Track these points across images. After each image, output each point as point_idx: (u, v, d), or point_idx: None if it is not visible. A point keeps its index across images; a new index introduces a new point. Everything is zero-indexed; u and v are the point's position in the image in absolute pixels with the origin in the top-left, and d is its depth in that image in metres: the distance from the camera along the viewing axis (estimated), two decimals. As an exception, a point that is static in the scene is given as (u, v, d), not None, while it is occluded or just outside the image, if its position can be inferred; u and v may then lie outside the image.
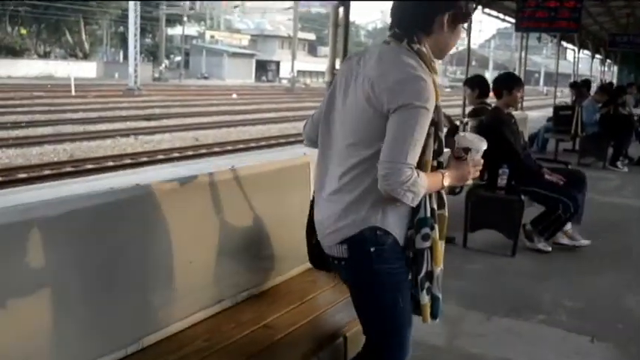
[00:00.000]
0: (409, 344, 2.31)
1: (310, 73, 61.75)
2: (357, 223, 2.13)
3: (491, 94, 5.97)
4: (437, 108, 2.10)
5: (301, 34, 61.80)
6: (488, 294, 4.54)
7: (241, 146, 15.73)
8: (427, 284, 2.25)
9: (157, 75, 48.03)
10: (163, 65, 51.94)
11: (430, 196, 2.18)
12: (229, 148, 15.34)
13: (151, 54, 54.45)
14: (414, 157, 2.02)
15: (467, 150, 2.30)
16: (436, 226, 2.22)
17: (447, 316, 4.09)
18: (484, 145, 2.33)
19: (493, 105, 5.87)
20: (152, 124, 19.45)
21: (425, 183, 2.06)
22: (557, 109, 11.97)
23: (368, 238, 2.14)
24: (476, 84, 6.36)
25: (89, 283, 2.12)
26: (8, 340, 1.88)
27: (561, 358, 3.58)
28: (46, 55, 50.51)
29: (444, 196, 2.27)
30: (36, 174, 11.19)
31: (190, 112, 23.29)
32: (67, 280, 2.05)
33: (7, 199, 2.03)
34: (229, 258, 2.70)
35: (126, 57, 39.20)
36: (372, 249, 2.14)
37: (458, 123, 6.35)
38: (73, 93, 27.62)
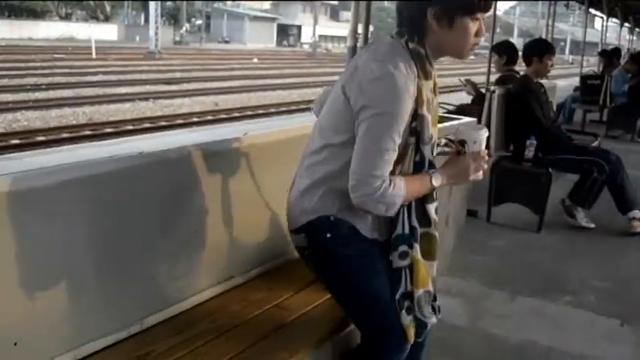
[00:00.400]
0: (406, 339, 2.10)
1: (332, 38, 61.14)
2: (312, 210, 2.06)
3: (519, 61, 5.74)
4: (420, 117, 1.94)
5: (324, -1, 61.11)
6: (512, 272, 4.36)
7: (261, 111, 15.56)
8: (406, 303, 2.08)
9: (177, 38, 47.79)
10: (184, 29, 51.66)
11: (410, 212, 2.04)
12: (249, 113, 15.18)
13: (172, 17, 54.14)
14: (383, 167, 1.88)
15: (463, 143, 2.09)
16: (417, 245, 2.06)
17: (469, 294, 3.96)
18: (482, 135, 2.07)
19: (522, 73, 5.62)
20: (172, 88, 19.31)
21: (402, 191, 1.92)
22: (584, 78, 11.53)
23: (323, 224, 2.05)
24: (503, 50, 6.11)
25: (94, 255, 1.98)
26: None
27: (589, 343, 3.40)
28: (67, 17, 50.42)
29: (432, 213, 2.09)
30: (54, 137, 11.13)
31: (210, 76, 23.09)
32: (73, 253, 1.92)
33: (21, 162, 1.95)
34: (241, 231, 2.54)
35: (147, 20, 38.92)
36: (328, 235, 2.05)
37: (483, 91, 6.10)
38: (94, 55, 27.51)
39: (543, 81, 5.66)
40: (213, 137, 2.47)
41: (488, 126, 5.29)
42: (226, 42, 53.14)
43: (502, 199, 5.41)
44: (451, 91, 16.88)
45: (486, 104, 5.35)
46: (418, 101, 1.92)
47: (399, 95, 1.86)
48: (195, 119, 13.88)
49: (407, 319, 2.07)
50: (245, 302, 2.41)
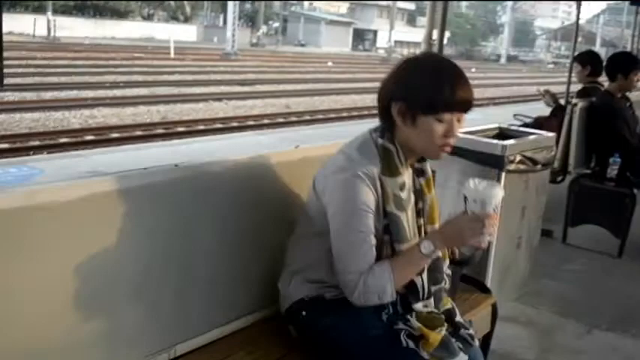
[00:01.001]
0: None
1: (408, 44, 60.57)
2: (287, 297, 2.04)
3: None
4: (389, 215, 1.85)
5: (400, 4, 60.65)
6: (589, 301, 4.01)
7: (332, 115, 15.41)
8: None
9: (254, 40, 48.34)
10: (261, 31, 52.19)
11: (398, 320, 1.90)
12: (320, 117, 15.06)
13: (250, 19, 54.80)
14: (357, 261, 1.82)
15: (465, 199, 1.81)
16: (413, 321, 1.90)
17: (540, 324, 3.66)
18: (485, 194, 1.75)
19: (604, 88, 5.24)
20: (245, 89, 19.42)
21: (385, 274, 1.81)
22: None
23: (298, 307, 2.00)
24: (587, 60, 5.71)
25: (128, 274, 1.82)
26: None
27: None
28: (149, 18, 51.73)
29: (429, 306, 1.94)
30: (128, 134, 11.30)
31: (284, 78, 23.13)
32: (104, 271, 1.77)
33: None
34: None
35: (226, 21, 39.48)
36: (303, 313, 1.99)
37: (563, 102, 5.73)
38: (172, 55, 28.05)
39: (632, 94, 5.27)
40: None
41: (567, 141, 4.96)
42: (302, 45, 53.39)
43: (580, 219, 5.04)
44: (527, 101, 16.32)
45: (566, 118, 5.00)
46: (384, 199, 1.84)
47: (354, 188, 1.81)
48: (266, 121, 13.87)
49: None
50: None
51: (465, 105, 1.84)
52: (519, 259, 3.88)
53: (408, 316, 1.91)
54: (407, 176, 1.91)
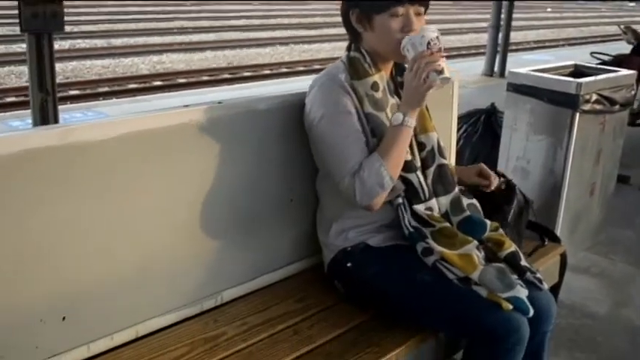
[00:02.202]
0: (506, 321, 1.74)
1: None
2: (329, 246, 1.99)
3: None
4: (368, 115, 1.85)
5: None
6: (668, 251, 3.77)
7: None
8: (473, 285, 1.79)
9: (323, -17, 47.60)
10: (330, -27, 51.37)
11: (404, 215, 1.87)
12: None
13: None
14: (348, 161, 1.80)
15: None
16: (432, 242, 1.84)
17: (612, 276, 3.45)
18: (417, 36, 1.73)
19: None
20: (312, 32, 19.14)
21: (376, 161, 1.78)
22: None
23: (341, 258, 1.95)
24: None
25: (173, 217, 1.77)
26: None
27: None
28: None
29: (423, 213, 1.88)
30: (195, 79, 11.34)
31: (352, 21, 22.72)
32: (146, 213, 1.72)
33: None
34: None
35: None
36: (348, 264, 1.93)
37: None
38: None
39: None
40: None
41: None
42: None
43: (660, 164, 4.75)
44: (606, 40, 15.54)
45: (649, 55, 4.66)
46: (360, 102, 1.85)
47: (326, 93, 1.85)
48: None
49: (484, 292, 1.76)
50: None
51: None
52: (592, 206, 3.67)
53: (426, 232, 1.86)
54: (378, 78, 1.90)
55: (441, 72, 1.71)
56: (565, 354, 2.69)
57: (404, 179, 1.88)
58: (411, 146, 1.91)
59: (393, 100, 1.92)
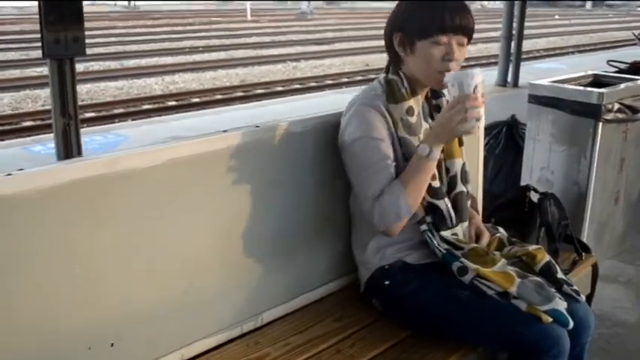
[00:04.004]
0: (547, 334, 1.76)
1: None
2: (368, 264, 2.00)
3: None
4: (402, 139, 1.88)
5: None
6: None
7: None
8: (512, 299, 1.80)
9: (330, -2, 47.81)
10: (337, -12, 51.61)
11: (433, 240, 1.90)
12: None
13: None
14: (371, 187, 1.84)
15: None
16: (466, 261, 1.85)
17: (640, 284, 3.46)
18: (461, 76, 1.72)
19: None
20: (322, 48, 19.23)
21: (397, 190, 1.81)
22: None
23: (379, 276, 1.96)
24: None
25: (212, 239, 1.79)
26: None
27: None
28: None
29: (451, 238, 1.91)
30: (208, 98, 11.41)
31: (362, 35, 22.71)
32: (188, 236, 1.74)
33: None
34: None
35: (300, -20, 39.18)
36: (386, 282, 1.94)
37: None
38: (249, 17, 28.07)
39: None
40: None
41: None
42: None
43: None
44: (616, 47, 15.52)
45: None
46: (394, 125, 1.87)
47: (361, 117, 1.86)
48: (344, 79, 13.71)
49: (523, 305, 1.78)
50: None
51: (461, 28, 1.84)
52: (617, 214, 3.67)
53: (458, 253, 1.88)
54: (414, 103, 1.91)
55: (478, 119, 1.73)
56: (598, 364, 2.69)
57: (432, 205, 1.91)
58: (440, 171, 1.94)
59: (426, 125, 1.95)
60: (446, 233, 1.92)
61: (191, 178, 1.69)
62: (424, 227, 1.91)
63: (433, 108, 2.01)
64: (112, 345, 1.59)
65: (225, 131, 1.77)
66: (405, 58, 1.90)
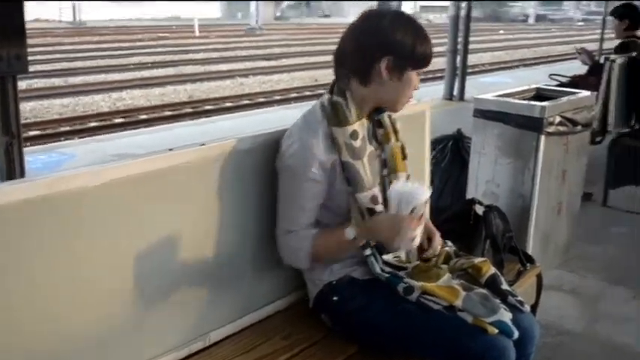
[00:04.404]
0: (493, 345, 1.79)
1: (434, 9, 59.73)
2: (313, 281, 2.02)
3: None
4: (345, 164, 1.87)
5: (426, -32, 59.56)
6: (634, 264, 3.87)
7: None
8: (458, 312, 1.83)
9: (278, 14, 47.91)
10: (285, 4, 51.75)
11: (374, 265, 1.92)
12: (348, 88, 14.85)
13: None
14: (286, 221, 1.92)
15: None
16: (410, 280, 1.89)
17: (585, 292, 3.53)
18: (408, 196, 1.72)
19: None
20: (271, 63, 19.26)
21: (304, 243, 1.89)
22: None
23: (327, 292, 1.97)
24: (625, 14, 5.48)
25: (155, 259, 1.76)
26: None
27: None
28: (172, -4, 51.52)
29: (392, 261, 1.94)
30: (157, 115, 11.29)
31: (310, 51, 22.87)
32: (127, 257, 1.71)
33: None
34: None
35: (249, -4, 39.21)
36: (334, 298, 1.95)
37: (602, 60, 5.52)
38: (197, 33, 27.93)
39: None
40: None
41: (606, 99, 4.76)
42: (327, 16, 52.77)
43: (621, 180, 4.88)
44: (558, 60, 15.96)
45: (605, 75, 4.80)
46: (338, 150, 1.86)
47: (299, 150, 1.85)
48: (293, 95, 13.75)
49: (469, 317, 1.81)
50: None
51: (431, 59, 1.93)
52: (561, 225, 3.76)
53: (401, 274, 1.92)
54: (359, 126, 1.91)
55: (412, 239, 1.74)
56: (545, 373, 2.74)
57: None
58: (384, 191, 1.94)
59: (370, 148, 1.94)
60: (388, 257, 1.95)
61: (135, 198, 1.67)
62: (367, 252, 1.92)
63: (375, 123, 2.02)
64: (55, 370, 1.55)
65: (170, 150, 1.76)
66: (384, 80, 1.88)
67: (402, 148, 2.04)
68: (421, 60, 1.89)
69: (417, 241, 1.76)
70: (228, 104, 12.47)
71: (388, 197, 1.78)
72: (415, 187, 1.74)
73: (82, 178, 1.57)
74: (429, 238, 2.09)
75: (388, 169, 1.99)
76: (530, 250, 3.31)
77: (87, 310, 1.61)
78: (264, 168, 1.97)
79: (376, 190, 1.91)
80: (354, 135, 1.88)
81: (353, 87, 1.91)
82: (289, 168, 1.88)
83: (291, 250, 1.92)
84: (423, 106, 2.64)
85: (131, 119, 10.87)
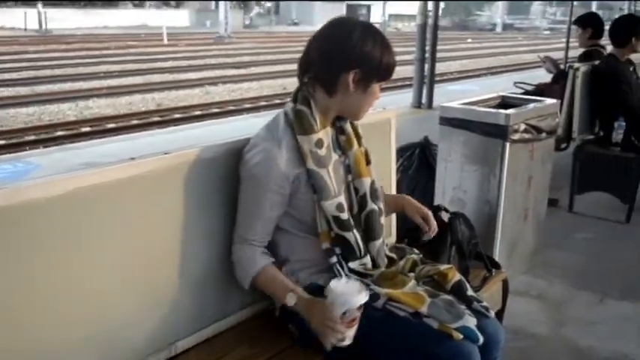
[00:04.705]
0: (458, 351, 1.80)
1: (402, 17, 60.17)
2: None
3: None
4: (310, 172, 1.87)
5: (395, -23, 60.03)
6: (600, 270, 3.92)
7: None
8: (424, 318, 1.84)
9: (247, 22, 47.89)
10: (254, 12, 51.76)
11: (340, 273, 1.92)
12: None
13: (242, 0, 54.28)
14: (243, 229, 1.94)
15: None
16: (376, 287, 1.90)
17: (551, 297, 3.57)
18: (342, 299, 1.68)
19: (609, 51, 5.12)
20: (241, 72, 19.25)
21: (254, 268, 1.92)
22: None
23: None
24: (588, 23, 5.58)
25: (122, 269, 1.74)
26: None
27: (693, 356, 2.98)
28: (140, 4, 51.22)
29: (359, 268, 1.95)
30: (124, 123, 11.21)
31: (280, 59, 22.89)
32: (94, 267, 1.68)
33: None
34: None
35: (218, 4, 39.08)
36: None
37: (567, 68, 5.61)
38: (165, 42, 27.80)
39: (634, 55, 5.13)
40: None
41: (570, 107, 4.84)
42: (295, 24, 52.82)
43: (586, 186, 4.94)
44: (524, 68, 16.18)
45: (569, 82, 4.88)
46: (303, 158, 1.87)
47: (262, 159, 1.85)
48: (262, 103, 13.75)
49: (435, 323, 1.82)
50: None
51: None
52: (527, 231, 3.80)
53: (367, 281, 1.91)
54: (323, 134, 1.91)
55: (342, 340, 1.73)
56: (512, 377, 2.76)
57: (340, 237, 1.92)
58: (349, 198, 1.96)
59: (335, 156, 1.94)
60: (354, 264, 1.95)
61: (97, 207, 1.64)
62: (333, 259, 1.93)
63: (338, 130, 2.02)
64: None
65: (132, 159, 1.74)
66: (350, 92, 1.88)
67: (366, 154, 2.05)
68: (386, 72, 1.91)
69: (347, 341, 1.74)
70: (197, 112, 12.42)
71: (326, 291, 1.72)
72: (351, 292, 1.69)
73: (43, 187, 1.55)
74: (424, 219, 2.15)
75: (352, 175, 1.99)
76: (496, 256, 3.34)
77: (39, 327, 1.59)
78: (229, 176, 1.95)
79: (342, 198, 1.91)
80: (319, 143, 1.89)
81: (317, 96, 1.91)
82: (252, 178, 1.88)
83: (240, 265, 1.94)
84: (388, 114, 2.64)
85: (98, 128, 10.78)
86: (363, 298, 1.69)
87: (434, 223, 2.16)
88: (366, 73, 1.86)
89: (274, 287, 1.92)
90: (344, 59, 1.86)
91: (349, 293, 1.68)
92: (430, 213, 2.18)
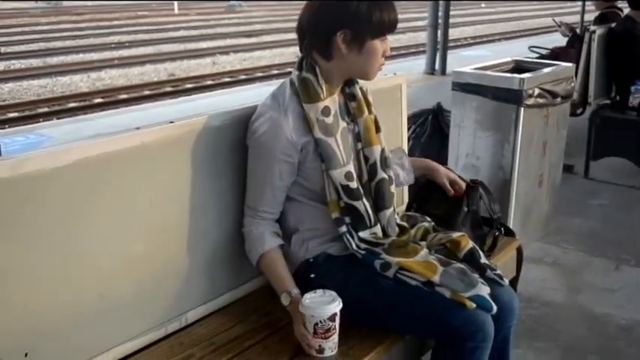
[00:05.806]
0: (471, 320, 1.77)
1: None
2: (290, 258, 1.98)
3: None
4: (318, 140, 1.83)
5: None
6: (616, 236, 3.88)
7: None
8: (436, 287, 1.81)
9: (259, -11, 47.51)
10: (266, -21, 51.29)
11: (350, 242, 1.90)
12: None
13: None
14: (254, 199, 1.92)
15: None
16: (386, 256, 1.86)
17: (566, 264, 3.54)
18: (311, 313, 1.68)
19: (626, 13, 5.00)
20: (252, 40, 19.10)
21: (260, 247, 1.89)
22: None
23: (304, 270, 1.94)
24: (604, -15, 5.47)
25: (129, 243, 1.72)
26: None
27: None
28: (151, -26, 50.87)
29: (369, 237, 1.91)
30: (136, 94, 11.21)
31: (291, 27, 22.53)
32: (103, 239, 1.67)
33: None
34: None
35: (228, -28, 38.75)
36: (312, 276, 1.92)
37: (583, 30, 5.50)
38: (176, 11, 27.61)
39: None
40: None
41: (586, 70, 4.75)
42: (308, -9, 52.41)
43: (602, 152, 4.87)
44: (539, 33, 15.95)
45: (585, 46, 4.78)
46: (309, 126, 1.83)
47: (268, 126, 1.83)
48: (275, 71, 13.65)
49: (447, 292, 1.79)
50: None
51: (396, 25, 1.89)
52: (541, 197, 3.75)
53: (378, 250, 1.89)
54: (330, 102, 1.87)
55: (320, 351, 1.71)
56: (526, 344, 2.74)
57: (349, 206, 1.89)
58: (359, 167, 1.93)
59: (343, 124, 1.90)
60: (364, 234, 1.92)
61: (102, 179, 1.62)
62: (343, 229, 1.90)
63: (348, 97, 1.98)
64: (26, 355, 1.51)
65: (137, 128, 1.71)
66: (344, 54, 1.84)
67: (376, 121, 2.01)
68: (381, 27, 1.83)
69: (327, 352, 1.72)
70: (209, 82, 12.37)
71: (300, 305, 1.71)
72: (320, 304, 1.69)
73: (50, 157, 1.53)
74: (452, 184, 2.26)
75: (362, 143, 1.95)
76: (511, 223, 3.31)
77: (50, 298, 1.57)
78: (237, 144, 1.92)
79: (350, 167, 1.88)
80: (325, 111, 1.85)
81: (319, 62, 1.87)
82: (260, 147, 1.85)
83: (249, 239, 1.91)
84: (398, 80, 2.60)
85: (110, 99, 10.78)
86: (334, 307, 1.69)
87: (458, 182, 2.25)
88: (356, 31, 1.81)
89: (273, 278, 1.89)
90: (330, 21, 1.82)
91: (317, 307, 1.68)
92: (453, 174, 2.25)
